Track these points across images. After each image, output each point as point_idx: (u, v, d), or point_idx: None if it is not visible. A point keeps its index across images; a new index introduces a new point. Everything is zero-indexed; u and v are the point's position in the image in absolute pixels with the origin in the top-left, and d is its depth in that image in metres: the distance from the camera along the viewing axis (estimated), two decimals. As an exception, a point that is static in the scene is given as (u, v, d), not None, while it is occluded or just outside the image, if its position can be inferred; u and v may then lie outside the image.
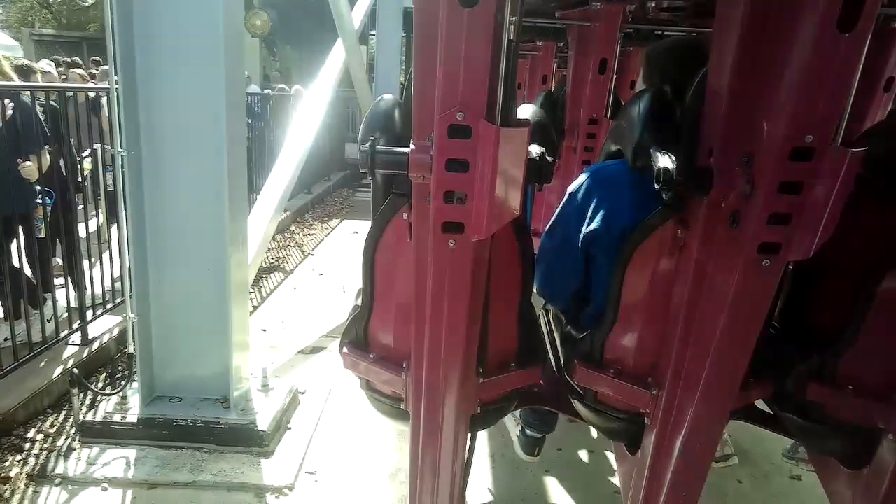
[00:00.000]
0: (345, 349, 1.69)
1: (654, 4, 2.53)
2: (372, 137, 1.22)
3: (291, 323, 4.58)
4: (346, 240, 7.36)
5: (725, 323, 1.29)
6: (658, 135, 1.41)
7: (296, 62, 14.85)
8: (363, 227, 6.04)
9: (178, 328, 2.93)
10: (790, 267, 1.57)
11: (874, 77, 2.65)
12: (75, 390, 2.89)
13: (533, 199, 1.99)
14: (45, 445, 2.90)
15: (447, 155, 1.11)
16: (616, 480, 2.55)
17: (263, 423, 2.89)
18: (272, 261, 6.18)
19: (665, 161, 1.28)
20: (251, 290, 4.92)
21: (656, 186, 1.30)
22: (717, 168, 1.23)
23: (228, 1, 2.57)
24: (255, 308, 4.86)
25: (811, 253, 1.17)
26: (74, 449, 2.80)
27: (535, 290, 1.73)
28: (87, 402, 3.18)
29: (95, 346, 3.70)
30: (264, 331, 4.40)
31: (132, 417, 2.88)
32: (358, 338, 1.67)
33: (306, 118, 5.05)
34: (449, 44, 1.02)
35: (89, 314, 3.73)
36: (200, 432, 2.85)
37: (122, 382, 2.99)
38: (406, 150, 1.17)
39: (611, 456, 2.85)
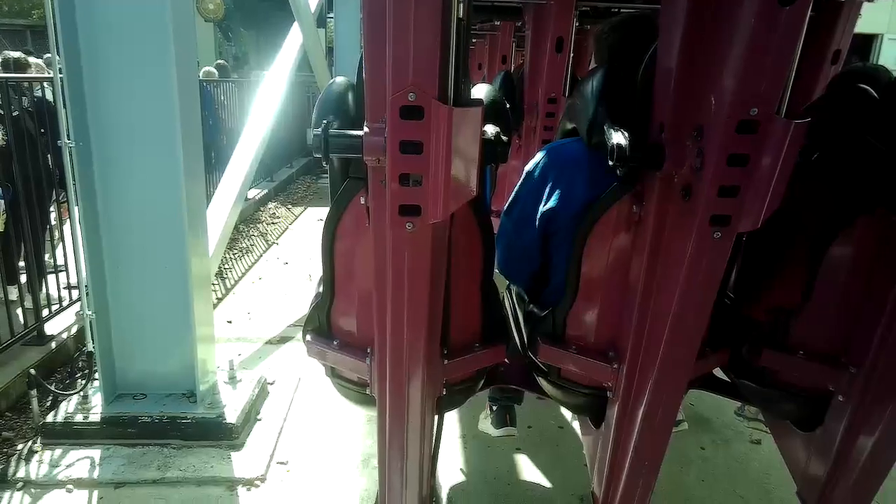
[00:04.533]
0: (308, 337, 1.68)
1: None
2: (325, 121, 1.20)
3: (258, 313, 4.54)
4: (311, 227, 7.21)
5: (681, 294, 1.32)
6: (611, 112, 1.42)
7: (253, 46, 14.48)
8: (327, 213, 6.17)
9: (138, 323, 2.86)
10: (743, 238, 1.61)
11: (821, 50, 2.71)
12: (34, 392, 2.81)
13: (494, 179, 1.99)
14: (5, 449, 2.82)
15: (400, 137, 1.10)
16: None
17: (232, 416, 2.86)
18: (236, 251, 6.09)
19: (618, 138, 1.30)
20: (215, 282, 4.85)
21: (610, 163, 1.31)
22: (668, 143, 1.25)
23: (175, -15, 2.48)
24: (219, 300, 4.79)
25: (760, 223, 1.20)
26: (36, 451, 2.72)
27: (496, 269, 1.74)
28: (49, 402, 3.09)
29: (53, 344, 3.59)
30: (230, 322, 4.34)
31: (95, 416, 2.81)
32: (321, 325, 1.66)
33: (264, 104, 4.94)
34: (397, 24, 1.00)
35: (48, 312, 3.63)
36: (167, 428, 2.80)
37: (83, 381, 2.92)
38: (360, 133, 1.15)
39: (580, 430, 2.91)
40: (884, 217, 1.43)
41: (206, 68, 8.85)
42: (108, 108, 2.57)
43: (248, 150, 4.36)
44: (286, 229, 7.20)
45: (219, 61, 10.71)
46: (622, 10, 3.24)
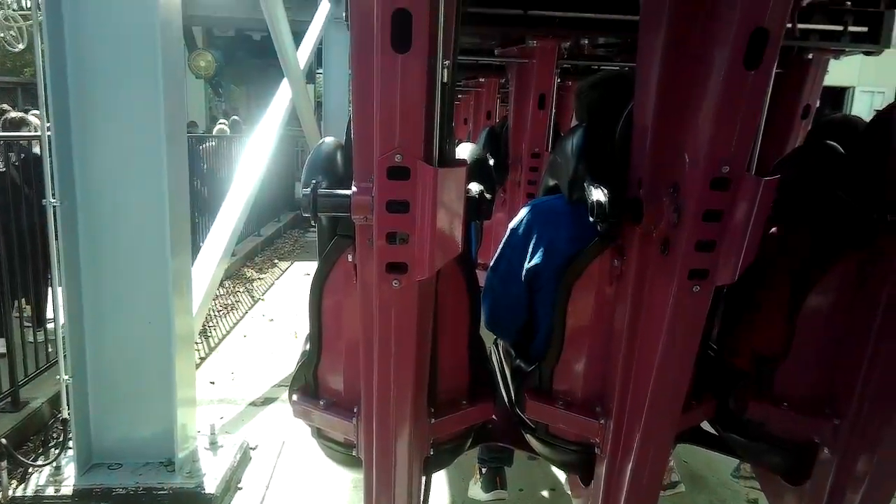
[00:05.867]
0: (294, 397, 1.65)
1: (587, 41, 2.66)
2: (314, 181, 1.23)
3: (242, 373, 4.44)
4: (298, 282, 7.13)
5: (663, 346, 1.34)
6: (590, 168, 1.47)
7: (243, 102, 14.70)
8: (314, 268, 5.99)
9: (117, 387, 2.77)
10: (723, 290, 1.65)
11: (791, 106, 2.83)
12: (3, 463, 2.68)
13: (480, 234, 2.02)
14: (-29, 525, 2.69)
15: (387, 196, 1.13)
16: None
17: (211, 486, 2.73)
18: (220, 307, 5.98)
19: (598, 194, 1.34)
20: (198, 340, 4.74)
21: (591, 219, 1.35)
22: (646, 199, 1.29)
23: (167, 45, 2.52)
24: (202, 359, 4.69)
25: (736, 277, 1.24)
26: (3, 526, 2.59)
27: (483, 325, 1.75)
28: (20, 473, 2.96)
29: (28, 410, 3.46)
30: (213, 383, 4.24)
31: (67, 489, 2.67)
32: (307, 384, 1.64)
33: (252, 159, 4.99)
34: (384, 88, 1.05)
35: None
36: (142, 501, 2.65)
37: (56, 451, 2.80)
38: (348, 192, 1.18)
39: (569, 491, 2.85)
40: (857, 267, 1.47)
41: (220, 125, 9.14)
42: (95, 166, 2.57)
43: (235, 206, 4.37)
44: (272, 284, 7.13)
45: (234, 117, 10.92)
46: (602, 68, 3.38)
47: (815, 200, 1.50)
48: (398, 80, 1.04)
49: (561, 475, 2.93)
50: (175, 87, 2.64)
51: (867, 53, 2.78)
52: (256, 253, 8.47)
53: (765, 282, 1.60)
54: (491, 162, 3.27)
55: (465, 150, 1.60)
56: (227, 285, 6.75)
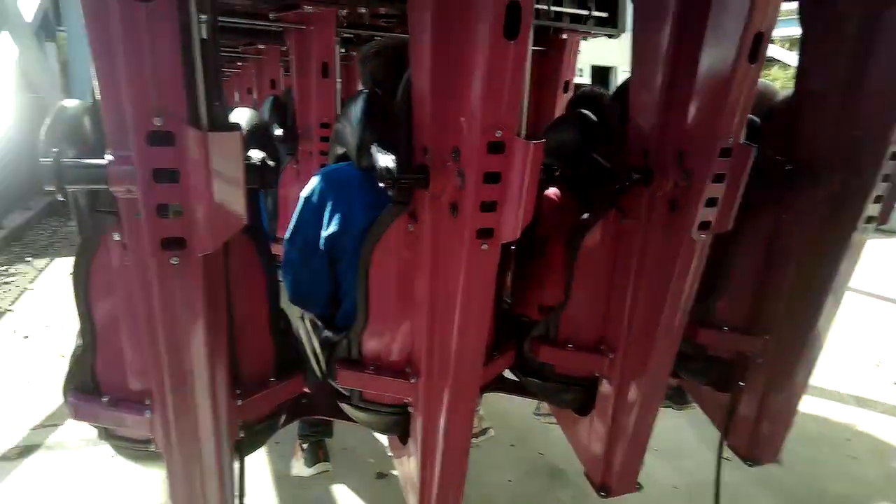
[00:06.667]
0: (70, 398, 1.47)
1: (365, 10, 2.65)
2: (55, 150, 1.07)
3: None
4: (59, 285, 5.55)
5: (461, 304, 1.40)
6: (376, 135, 1.47)
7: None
8: None
9: None
10: (511, 247, 1.77)
11: (554, 80, 3.23)
12: None
13: (277, 206, 1.95)
14: None
15: (151, 165, 1.03)
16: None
17: None
18: None
19: (385, 160, 1.35)
20: None
21: (381, 185, 1.36)
22: (431, 164, 1.33)
23: None
24: None
25: (518, 233, 1.33)
26: None
27: (287, 299, 1.70)
28: None
29: None
30: None
31: None
32: (85, 382, 1.47)
33: None
34: (129, 43, 0.94)
35: None
36: None
37: None
38: (102, 161, 1.05)
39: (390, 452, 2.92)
40: (615, 220, 1.68)
41: None
42: None
43: None
44: (24, 290, 5.49)
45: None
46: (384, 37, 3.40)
47: (577, 163, 1.68)
48: (145, 33, 0.93)
49: (382, 437, 2.99)
50: None
51: (609, 36, 3.24)
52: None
53: (546, 239, 1.76)
54: (279, 132, 3.17)
55: (241, 116, 1.51)
56: None
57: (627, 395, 1.78)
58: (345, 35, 3.13)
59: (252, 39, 4.13)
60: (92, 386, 1.47)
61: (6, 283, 5.68)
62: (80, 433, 2.95)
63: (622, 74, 16.90)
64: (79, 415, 1.50)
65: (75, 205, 1.31)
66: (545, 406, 2.59)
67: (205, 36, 1.03)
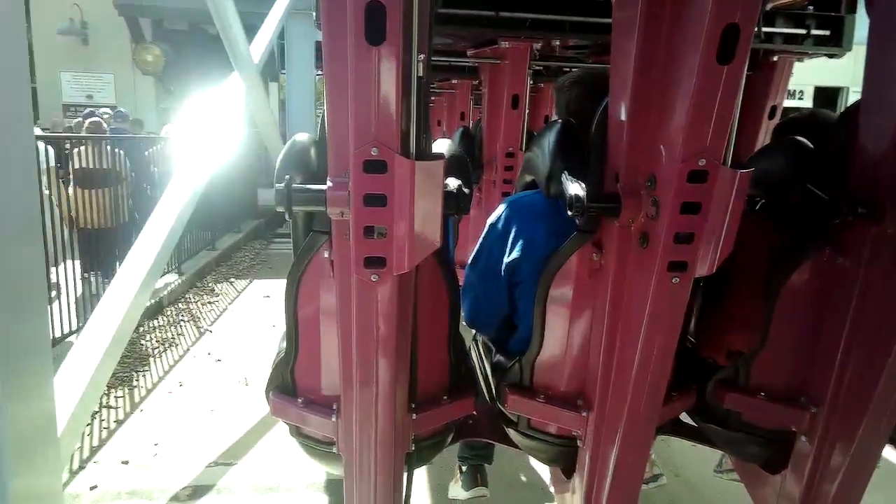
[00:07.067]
0: (272, 395, 1.64)
1: (558, 43, 2.68)
2: (287, 176, 1.22)
3: (168, 444, 3.31)
4: (255, 308, 5.85)
5: (644, 339, 1.35)
6: (567, 163, 1.47)
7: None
8: (278, 288, 4.82)
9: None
10: (700, 284, 1.66)
11: (760, 106, 2.95)
12: None
13: (457, 231, 2.02)
14: None
15: (364, 190, 1.13)
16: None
17: None
18: (157, 343, 4.80)
19: (575, 188, 1.34)
20: (118, 394, 3.86)
21: (569, 213, 1.35)
22: (623, 192, 1.30)
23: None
24: (119, 423, 3.56)
25: (714, 268, 1.25)
26: None
27: (463, 321, 1.74)
28: None
29: None
30: (126, 463, 3.13)
31: None
32: (284, 383, 1.62)
33: (192, 161, 4.26)
34: (358, 81, 1.04)
35: None
36: None
37: None
38: (323, 186, 1.17)
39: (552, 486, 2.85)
40: (830, 259, 1.49)
41: (168, 126, 8.03)
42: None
43: (167, 216, 3.60)
44: (225, 310, 5.84)
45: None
46: (573, 69, 3.41)
47: (786, 194, 1.52)
48: (373, 73, 1.03)
49: (543, 470, 2.94)
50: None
51: (830, 56, 2.88)
52: (209, 270, 7.14)
53: (740, 276, 1.62)
54: None
55: (442, 146, 1.60)
56: (168, 313, 5.53)
57: (831, 458, 1.57)
58: (535, 67, 3.20)
59: (447, 75, 4.40)
60: (290, 387, 1.62)
61: (211, 302, 6.08)
62: (252, 476, 3.04)
63: (854, 95, 15.21)
64: (276, 412, 1.66)
65: (294, 225, 1.47)
66: (727, 463, 2.37)
67: (420, 74, 1.11)
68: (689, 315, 1.67)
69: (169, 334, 5.05)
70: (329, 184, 1.16)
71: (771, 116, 3.02)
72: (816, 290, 1.52)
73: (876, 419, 1.48)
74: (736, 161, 1.21)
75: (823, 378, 1.54)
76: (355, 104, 1.06)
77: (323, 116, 1.29)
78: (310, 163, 1.43)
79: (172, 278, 6.21)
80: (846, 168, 1.44)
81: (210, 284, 6.67)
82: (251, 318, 5.54)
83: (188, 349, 4.77)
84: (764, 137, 2.94)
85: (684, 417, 1.86)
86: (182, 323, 5.38)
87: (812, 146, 1.57)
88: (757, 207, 1.63)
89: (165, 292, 5.80)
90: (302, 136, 1.51)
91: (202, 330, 5.24)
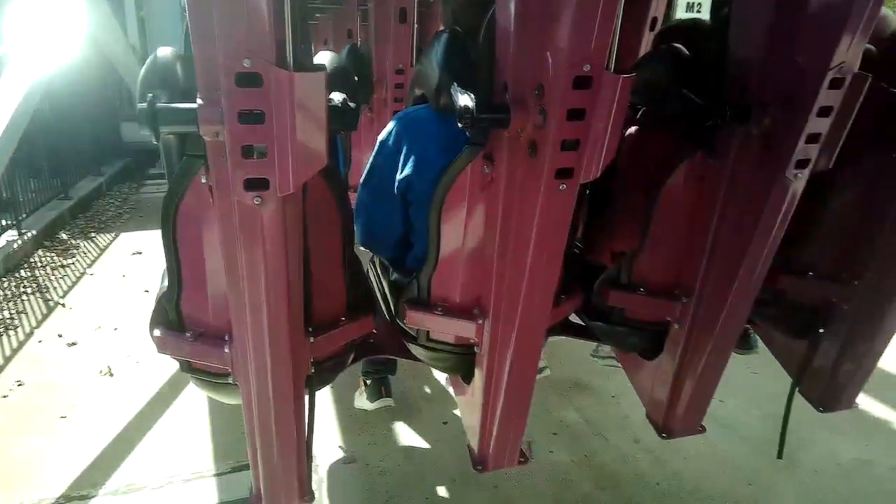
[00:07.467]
0: (157, 332, 1.55)
1: None
2: (150, 94, 1.09)
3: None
4: (123, 269, 4.72)
5: (534, 246, 1.38)
6: (456, 75, 1.43)
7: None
8: (152, 241, 4.48)
9: None
10: (586, 191, 1.72)
11: (641, 17, 2.99)
12: None
13: (350, 154, 1.95)
14: None
15: (239, 106, 1.03)
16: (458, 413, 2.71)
17: None
18: None
19: (465, 100, 1.31)
20: None
21: (459, 125, 1.33)
22: (512, 102, 1.28)
23: None
24: None
25: (598, 174, 1.29)
26: None
27: (357, 242, 1.71)
28: None
29: None
30: None
31: None
32: (170, 319, 1.53)
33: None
34: None
35: None
36: None
37: None
38: (192, 105, 1.06)
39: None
40: (702, 161, 1.60)
41: None
42: None
43: None
44: (82, 275, 4.63)
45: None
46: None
47: (664, 101, 1.58)
48: None
49: (441, 377, 3.07)
50: None
51: None
52: (62, 225, 5.80)
53: (623, 182, 1.70)
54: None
55: (324, 58, 1.49)
56: (5, 284, 4.31)
57: (699, 340, 1.75)
58: (422, -21, 3.05)
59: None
60: (176, 322, 1.53)
61: (64, 265, 4.86)
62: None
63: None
64: (163, 348, 1.58)
65: (167, 154, 1.34)
66: (604, 349, 2.59)
67: None
68: (577, 221, 1.75)
69: (5, 313, 3.89)
70: (199, 101, 1.05)
71: (651, 28, 3.08)
72: (691, 191, 1.63)
73: (736, 304, 1.65)
74: (619, 68, 1.22)
75: (694, 270, 1.69)
76: (221, 12, 0.95)
77: (186, 27, 1.15)
78: (176, 79, 1.29)
79: (11, 237, 4.93)
80: (720, 74, 1.51)
81: (63, 242, 5.41)
82: (117, 284, 4.47)
83: (31, 332, 3.68)
84: (644, 49, 3.02)
85: (573, 318, 1.99)
86: (25, 296, 4.20)
87: (689, 53, 1.64)
88: (638, 116, 1.70)
89: (0, 256, 4.60)
90: (164, 51, 1.34)
91: (52, 304, 4.10)
